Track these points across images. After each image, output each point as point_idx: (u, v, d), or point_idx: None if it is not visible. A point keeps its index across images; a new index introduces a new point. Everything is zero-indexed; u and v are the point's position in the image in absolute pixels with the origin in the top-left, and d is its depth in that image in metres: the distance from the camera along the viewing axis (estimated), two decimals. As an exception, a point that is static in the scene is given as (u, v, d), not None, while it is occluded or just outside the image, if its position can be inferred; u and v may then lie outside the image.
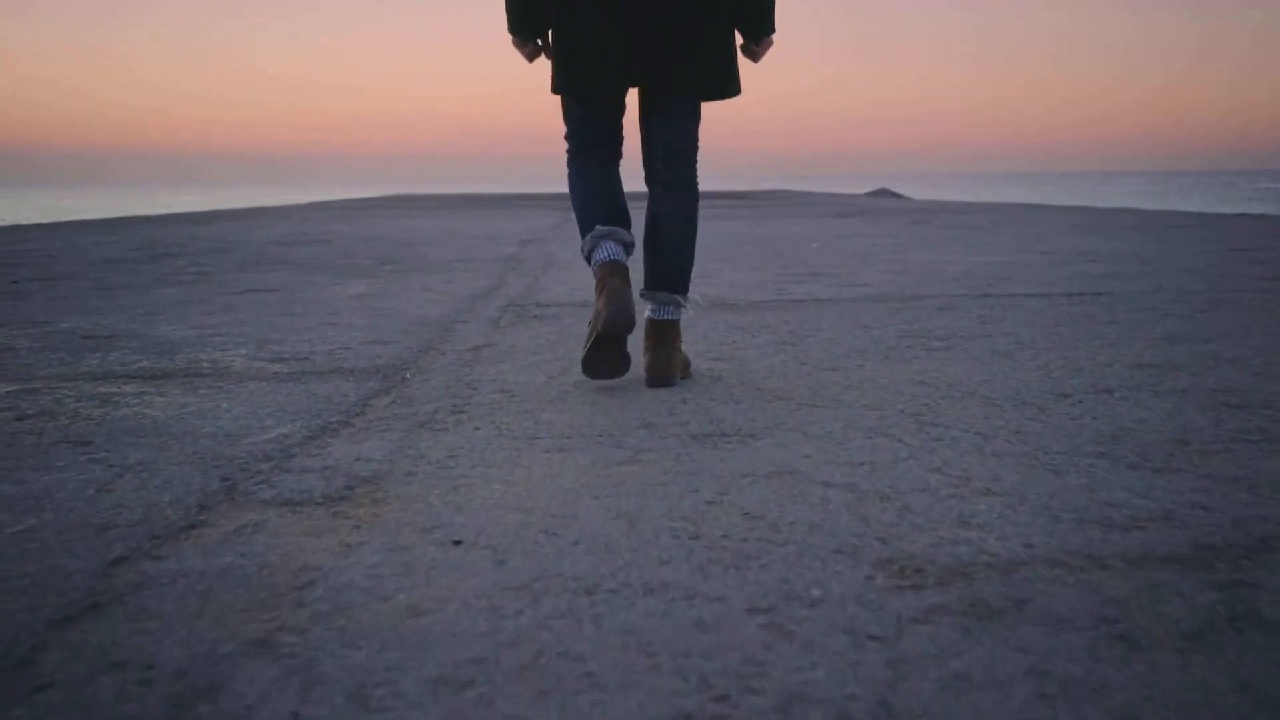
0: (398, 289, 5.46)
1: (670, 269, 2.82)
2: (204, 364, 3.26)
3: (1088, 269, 5.85)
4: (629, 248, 2.79)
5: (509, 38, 2.86)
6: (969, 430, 2.27)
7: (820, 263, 6.61)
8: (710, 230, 10.59)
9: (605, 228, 2.76)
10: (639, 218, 2.98)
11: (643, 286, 2.85)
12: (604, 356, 2.72)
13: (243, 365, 3.23)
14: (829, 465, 2.01)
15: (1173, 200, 37.61)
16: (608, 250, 2.74)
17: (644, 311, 2.85)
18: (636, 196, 3.34)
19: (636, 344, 3.02)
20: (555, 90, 2.83)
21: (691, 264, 2.86)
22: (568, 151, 2.91)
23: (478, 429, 2.37)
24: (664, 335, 2.79)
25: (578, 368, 3.08)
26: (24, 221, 18.00)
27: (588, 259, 2.80)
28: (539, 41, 2.85)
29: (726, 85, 2.77)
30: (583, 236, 2.82)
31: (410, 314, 4.41)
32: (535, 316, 4.31)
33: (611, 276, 2.68)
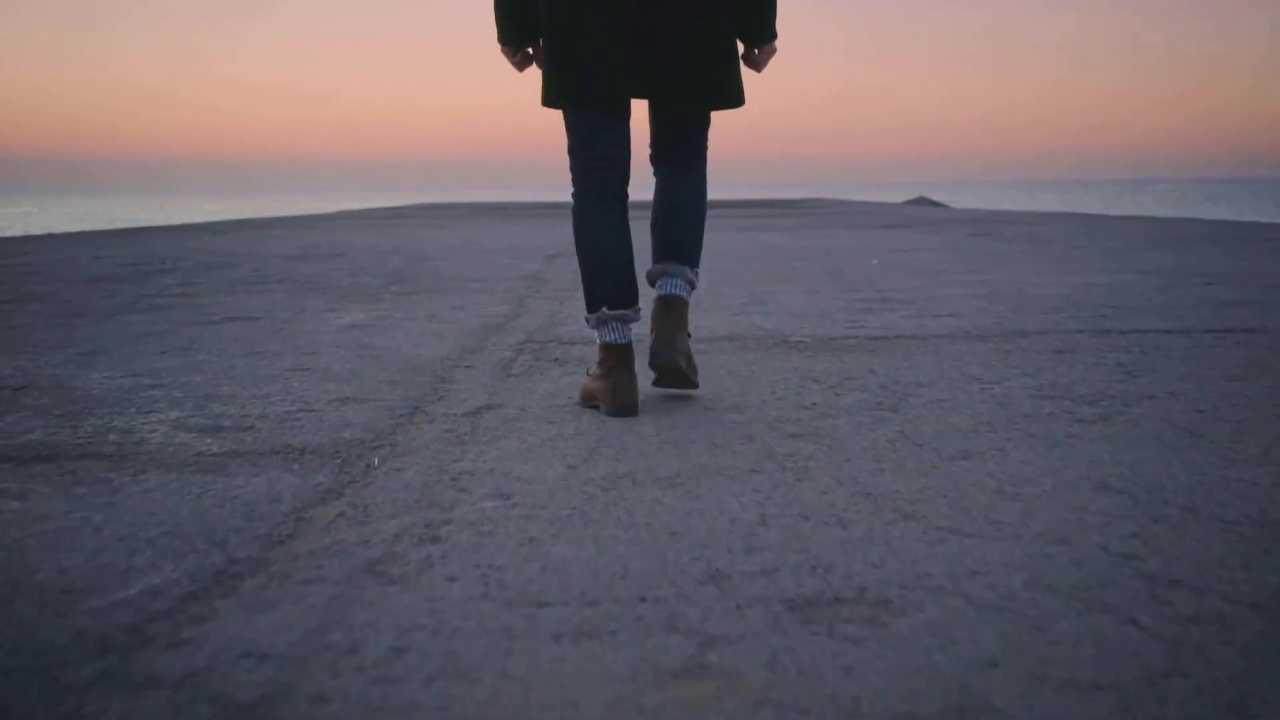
0: (399, 316, 4.65)
1: (678, 242, 2.76)
2: (112, 437, 2.45)
3: (1210, 294, 4.95)
4: (635, 321, 2.69)
5: (499, 47, 2.77)
6: (1233, 597, 1.41)
7: (887, 284, 5.75)
8: (754, 243, 9.74)
9: (613, 312, 2.64)
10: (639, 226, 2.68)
11: (651, 262, 2.77)
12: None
13: (162, 439, 2.42)
14: (1038, 689, 1.16)
15: (1222, 209, 36.29)
16: (615, 332, 2.64)
17: (653, 287, 2.78)
18: (637, 206, 2.63)
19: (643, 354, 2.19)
20: (548, 103, 2.66)
21: (701, 238, 2.81)
22: (575, 182, 2.72)
23: (452, 579, 1.53)
24: (670, 309, 2.70)
25: (606, 450, 2.25)
26: (54, 231, 17.35)
27: (592, 327, 2.69)
28: (529, 50, 2.75)
29: (730, 95, 2.68)
30: (588, 307, 2.69)
31: (404, 355, 3.59)
32: (556, 359, 3.48)
33: (619, 367, 2.60)
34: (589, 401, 2.71)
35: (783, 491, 1.93)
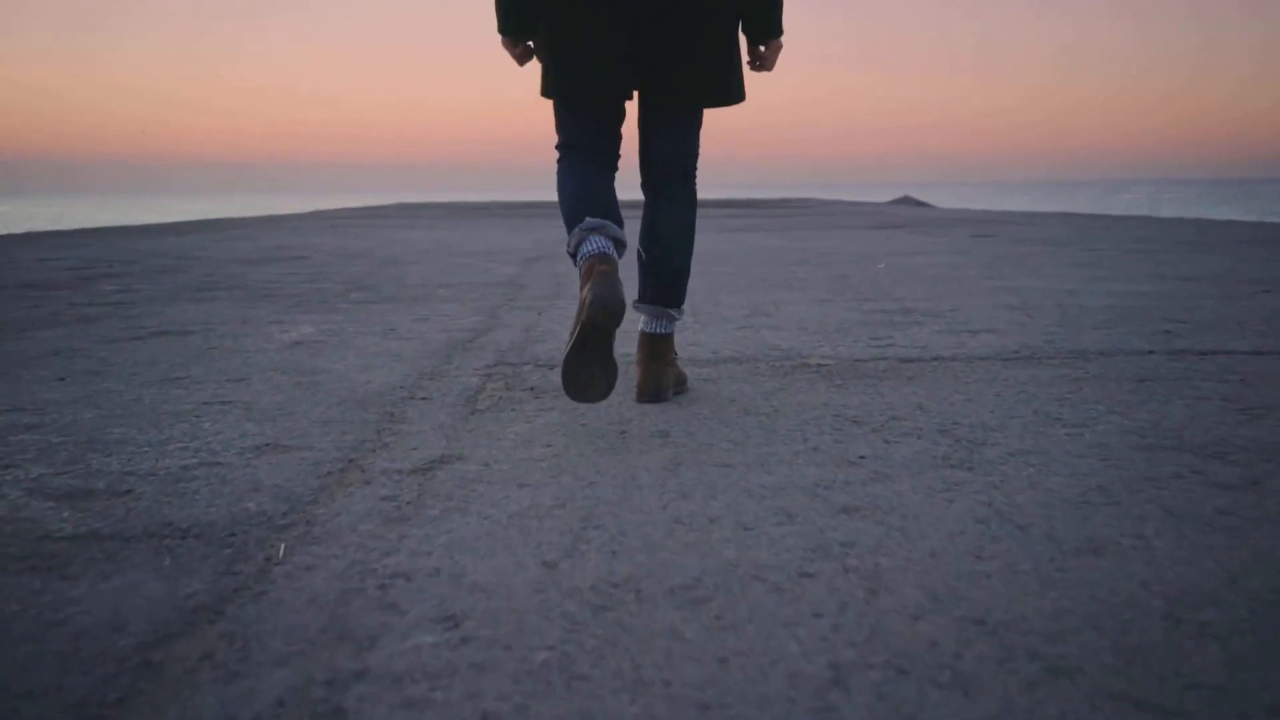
0: (352, 330, 4.04)
1: (667, 284, 2.68)
2: (-62, 509, 1.83)
3: (1276, 304, 4.39)
4: (620, 245, 2.46)
5: (499, 38, 2.64)
6: None
7: (904, 291, 5.17)
8: (746, 245, 9.16)
9: (595, 220, 2.43)
10: (633, 225, 2.65)
11: (635, 299, 2.71)
12: (589, 360, 2.28)
13: (4, 512, 1.81)
14: None
15: (1209, 209, 35.87)
16: (596, 244, 2.39)
17: (636, 324, 2.73)
18: (631, 205, 2.57)
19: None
20: (546, 94, 2.60)
21: (688, 276, 2.71)
22: (560, 157, 2.63)
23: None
24: (657, 349, 2.68)
25: (597, 534, 1.65)
26: (31, 230, 16.62)
27: (573, 255, 2.44)
28: (530, 43, 2.63)
29: (730, 91, 2.57)
30: (568, 227, 2.50)
31: (349, 382, 2.98)
32: (532, 388, 2.88)
33: (600, 264, 2.34)
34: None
35: (854, 614, 1.33)
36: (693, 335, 3.80)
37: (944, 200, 46.81)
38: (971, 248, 8.33)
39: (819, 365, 3.17)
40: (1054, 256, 7.22)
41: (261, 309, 4.82)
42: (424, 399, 2.75)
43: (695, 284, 5.60)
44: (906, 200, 36.96)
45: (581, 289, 2.33)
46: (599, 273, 2.28)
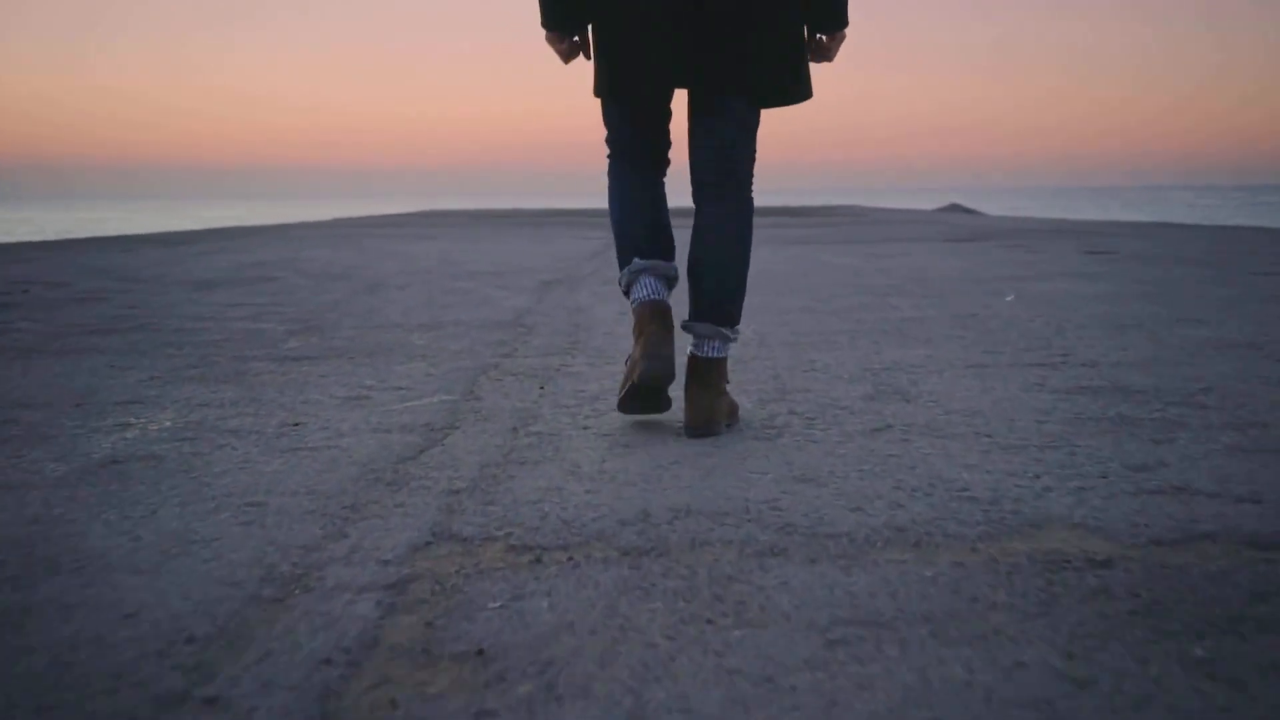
0: (232, 426, 2.45)
1: (717, 299, 2.40)
2: None
3: None
4: (672, 281, 2.43)
5: (544, 34, 2.51)
6: None
7: (1081, 345, 3.48)
8: (811, 262, 7.49)
9: (645, 261, 2.39)
10: (684, 234, 2.31)
11: (686, 318, 2.43)
12: (640, 404, 2.39)
13: None
14: None
15: (1266, 216, 33.72)
16: (648, 288, 2.37)
17: (685, 347, 2.43)
18: (681, 213, 2.33)
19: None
20: (598, 93, 2.45)
21: (744, 291, 2.46)
22: (608, 157, 2.51)
23: None
24: (708, 376, 2.37)
25: None
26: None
27: (625, 292, 2.43)
28: (576, 39, 2.46)
29: (794, 88, 2.37)
30: (620, 266, 2.45)
31: (88, 628, 1.35)
32: (480, 653, 1.23)
33: (651, 321, 2.32)
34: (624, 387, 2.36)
35: None
36: (791, 454, 2.16)
37: (989, 207, 44.83)
38: (1100, 270, 6.62)
39: (1091, 561, 1.51)
40: (1237, 285, 5.50)
41: (135, 371, 3.25)
42: (210, 704, 1.11)
43: (770, 330, 3.95)
44: (955, 208, 35.16)
45: (635, 339, 2.33)
46: (650, 335, 2.27)
